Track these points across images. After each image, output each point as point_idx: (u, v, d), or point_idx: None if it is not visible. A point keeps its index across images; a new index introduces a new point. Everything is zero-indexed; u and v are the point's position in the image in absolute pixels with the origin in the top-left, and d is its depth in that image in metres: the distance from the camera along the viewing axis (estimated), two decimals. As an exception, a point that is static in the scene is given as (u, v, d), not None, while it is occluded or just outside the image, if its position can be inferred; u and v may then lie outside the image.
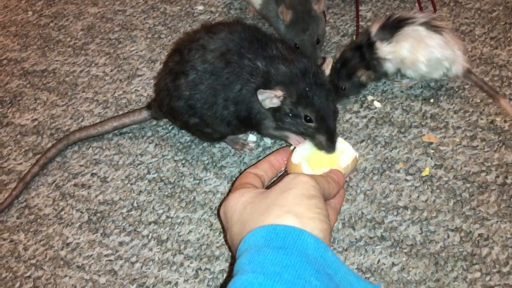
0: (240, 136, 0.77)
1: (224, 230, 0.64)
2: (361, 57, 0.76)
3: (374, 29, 0.77)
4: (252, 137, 0.78)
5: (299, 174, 0.50)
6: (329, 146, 0.59)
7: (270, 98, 0.59)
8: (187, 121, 0.72)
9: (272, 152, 0.62)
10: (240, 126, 0.70)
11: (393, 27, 0.75)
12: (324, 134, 0.59)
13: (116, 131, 0.80)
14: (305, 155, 0.60)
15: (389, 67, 0.77)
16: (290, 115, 0.60)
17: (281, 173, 0.62)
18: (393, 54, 0.75)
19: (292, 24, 0.79)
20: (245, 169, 0.58)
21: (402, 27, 0.75)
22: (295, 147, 0.61)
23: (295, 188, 0.48)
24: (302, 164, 0.58)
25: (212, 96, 0.67)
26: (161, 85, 0.73)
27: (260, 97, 0.59)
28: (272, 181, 0.60)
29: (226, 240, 0.67)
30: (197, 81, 0.67)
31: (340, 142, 0.61)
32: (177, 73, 0.69)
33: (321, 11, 0.80)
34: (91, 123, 0.81)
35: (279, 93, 0.59)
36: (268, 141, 0.77)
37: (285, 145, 0.68)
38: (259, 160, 0.61)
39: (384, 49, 0.76)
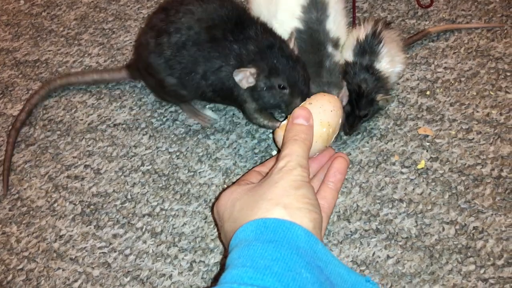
0: (199, 108, 0.79)
1: (218, 229, 0.64)
2: (376, 81, 0.71)
3: (349, 55, 0.73)
4: (208, 111, 0.79)
5: (283, 167, 0.49)
6: None
7: (246, 78, 0.64)
8: (163, 79, 0.72)
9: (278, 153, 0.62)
10: (215, 97, 0.73)
11: (370, 44, 0.72)
12: (298, 95, 0.63)
13: (109, 122, 0.80)
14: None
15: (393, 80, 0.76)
16: (265, 88, 0.65)
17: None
18: (392, 68, 0.74)
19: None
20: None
21: (379, 41, 0.73)
22: None
23: (282, 180, 0.47)
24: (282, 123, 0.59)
25: (192, 64, 0.69)
26: (142, 40, 0.74)
27: (236, 78, 0.64)
28: None
29: (220, 238, 0.67)
30: (179, 45, 0.69)
31: None
32: (160, 31, 0.70)
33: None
34: (85, 121, 0.80)
35: (253, 70, 0.64)
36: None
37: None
38: (266, 160, 0.61)
39: (384, 66, 0.72)
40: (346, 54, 0.73)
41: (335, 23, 0.72)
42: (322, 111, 0.56)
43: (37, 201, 0.74)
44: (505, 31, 0.84)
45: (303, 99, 0.61)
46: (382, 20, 0.75)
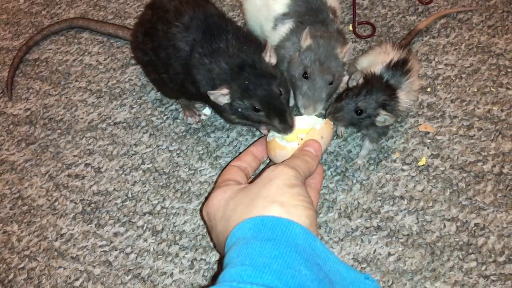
0: (196, 105, 0.80)
1: (208, 230, 0.64)
2: (377, 103, 0.65)
3: (379, 69, 0.68)
4: (207, 111, 0.79)
5: (278, 165, 0.50)
6: (283, 127, 0.60)
7: (221, 96, 0.61)
8: (148, 73, 0.76)
9: (253, 142, 0.62)
10: (195, 97, 0.72)
11: (399, 70, 0.68)
12: (275, 117, 0.60)
13: (110, 121, 0.80)
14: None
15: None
16: (240, 109, 0.62)
17: (264, 164, 0.62)
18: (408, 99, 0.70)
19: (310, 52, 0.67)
20: (228, 163, 0.58)
21: (408, 70, 0.69)
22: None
23: (276, 179, 0.48)
24: (276, 139, 0.59)
25: (173, 71, 0.68)
26: (136, 29, 0.76)
27: (211, 97, 0.61)
28: (256, 172, 0.60)
29: (212, 240, 0.67)
30: (160, 50, 0.68)
31: (308, 118, 0.63)
32: (147, 31, 0.71)
33: (344, 59, 0.67)
34: (85, 120, 0.80)
35: (225, 91, 0.61)
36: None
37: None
38: (241, 152, 0.61)
39: (405, 99, 0.68)
40: (374, 67, 0.69)
41: None
42: (325, 148, 0.60)
43: (38, 200, 0.74)
44: (506, 27, 0.84)
45: (281, 119, 0.59)
46: (409, 47, 0.74)
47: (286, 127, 0.60)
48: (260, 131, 0.71)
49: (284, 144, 0.58)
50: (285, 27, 0.70)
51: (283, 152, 0.58)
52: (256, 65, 0.61)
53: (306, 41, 0.65)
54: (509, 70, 0.79)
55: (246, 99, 0.61)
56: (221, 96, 0.61)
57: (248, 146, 0.61)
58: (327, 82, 0.64)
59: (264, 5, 0.73)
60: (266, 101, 0.60)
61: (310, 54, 0.65)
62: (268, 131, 0.63)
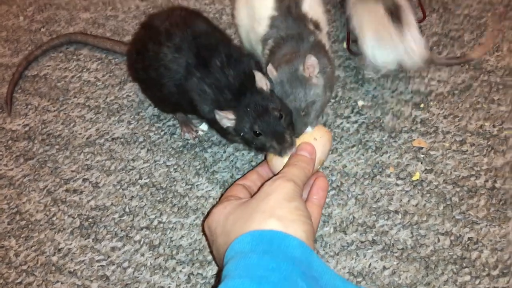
0: (194, 120, 0.81)
1: (209, 244, 0.64)
2: None
3: None
4: (204, 126, 0.80)
5: (276, 179, 0.51)
6: (282, 147, 0.61)
7: (226, 119, 0.63)
8: (144, 90, 0.78)
9: (259, 163, 0.63)
10: (192, 113, 0.73)
11: None
12: (273, 139, 0.61)
13: (108, 137, 0.80)
14: None
15: None
16: (242, 134, 0.63)
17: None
18: None
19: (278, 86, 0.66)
20: (232, 177, 0.59)
21: None
22: None
23: (275, 193, 0.49)
24: None
25: (167, 90, 0.69)
26: (130, 46, 0.78)
27: (217, 117, 0.62)
28: None
29: (212, 254, 0.67)
30: (151, 70, 0.70)
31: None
32: (139, 50, 0.73)
33: (311, 75, 0.65)
34: (83, 135, 0.81)
35: (231, 116, 0.62)
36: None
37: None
38: (247, 172, 0.62)
39: None
40: None
41: (312, 8, 0.72)
42: (322, 150, 0.61)
43: (35, 214, 0.74)
44: (497, 44, 0.86)
45: (278, 141, 0.61)
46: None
47: (285, 146, 0.61)
48: (255, 153, 0.72)
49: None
50: (267, 49, 0.71)
51: (281, 161, 0.60)
52: (256, 93, 0.62)
53: (272, 75, 0.65)
54: (500, 86, 0.81)
55: (247, 124, 0.62)
56: (227, 119, 0.63)
57: (255, 166, 0.63)
58: (299, 111, 0.64)
59: (251, 28, 0.75)
60: (265, 125, 0.61)
61: (277, 89, 0.65)
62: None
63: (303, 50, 0.67)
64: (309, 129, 0.63)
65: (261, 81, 0.63)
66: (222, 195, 0.72)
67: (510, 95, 0.80)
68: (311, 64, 0.63)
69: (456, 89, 0.81)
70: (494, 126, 0.77)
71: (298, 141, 0.61)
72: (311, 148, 0.58)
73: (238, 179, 0.59)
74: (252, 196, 0.57)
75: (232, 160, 0.77)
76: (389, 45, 0.75)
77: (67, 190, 0.76)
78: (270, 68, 0.64)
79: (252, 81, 0.63)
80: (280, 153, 0.61)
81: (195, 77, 0.65)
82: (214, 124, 0.67)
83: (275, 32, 0.70)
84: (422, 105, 0.80)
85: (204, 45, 0.67)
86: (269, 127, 0.61)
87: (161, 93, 0.71)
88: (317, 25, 0.72)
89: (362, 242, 0.68)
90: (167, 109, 0.78)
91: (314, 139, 0.61)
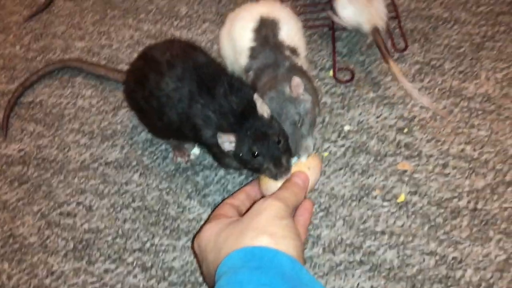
0: (186, 145, 0.83)
1: (199, 263, 0.65)
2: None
3: None
4: (196, 150, 0.82)
5: (267, 198, 0.53)
6: (278, 171, 0.63)
7: (228, 142, 0.64)
8: (141, 118, 0.80)
9: (248, 182, 0.65)
10: (190, 139, 0.75)
11: None
12: (270, 162, 0.63)
13: (101, 161, 0.82)
14: None
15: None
16: (241, 154, 0.65)
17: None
18: None
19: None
20: (223, 200, 0.61)
21: None
22: None
23: (266, 211, 0.51)
24: None
25: (168, 119, 0.71)
26: (128, 76, 0.80)
27: (219, 140, 0.64)
28: None
29: (202, 273, 0.69)
30: (152, 100, 0.72)
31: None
32: (138, 80, 0.75)
33: (298, 93, 0.68)
34: (77, 160, 0.83)
35: (233, 138, 0.64)
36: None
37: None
38: (236, 191, 0.64)
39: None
40: None
41: (288, 36, 0.76)
42: (313, 180, 0.63)
43: (29, 238, 0.75)
44: (475, 73, 0.90)
45: (275, 164, 0.63)
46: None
47: (281, 171, 0.63)
48: (251, 175, 0.74)
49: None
50: (249, 80, 0.75)
51: (275, 185, 0.62)
52: (257, 118, 0.65)
53: (263, 107, 0.66)
54: (480, 112, 0.85)
55: (247, 146, 0.64)
56: (228, 142, 0.65)
57: (243, 186, 0.64)
58: (295, 124, 0.67)
59: (235, 60, 0.78)
60: (263, 147, 0.63)
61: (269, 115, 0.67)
62: None
63: (280, 75, 0.71)
64: (303, 158, 0.65)
65: (262, 108, 0.65)
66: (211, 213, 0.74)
67: (489, 120, 0.84)
68: (297, 84, 0.67)
69: (438, 115, 0.85)
70: (474, 150, 0.80)
71: (293, 169, 0.63)
72: (305, 177, 0.61)
73: (227, 198, 0.61)
74: (240, 215, 0.59)
75: (223, 183, 0.79)
76: (358, 7, 0.87)
77: (61, 213, 0.77)
78: (256, 98, 0.66)
79: (253, 108, 0.65)
80: (276, 177, 0.63)
81: (200, 103, 0.67)
82: (213, 148, 0.69)
83: (255, 62, 0.74)
84: (405, 130, 0.83)
85: (206, 75, 0.69)
86: (267, 150, 0.63)
87: (161, 122, 0.73)
88: (294, 51, 0.75)
89: (350, 262, 0.70)
90: (163, 136, 0.80)
91: (308, 168, 0.63)
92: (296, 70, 0.73)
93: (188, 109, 0.68)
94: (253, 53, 0.75)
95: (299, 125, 0.67)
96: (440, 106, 0.86)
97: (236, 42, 0.77)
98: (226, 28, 0.82)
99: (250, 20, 0.77)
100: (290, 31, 0.76)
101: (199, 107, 0.67)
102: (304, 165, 0.64)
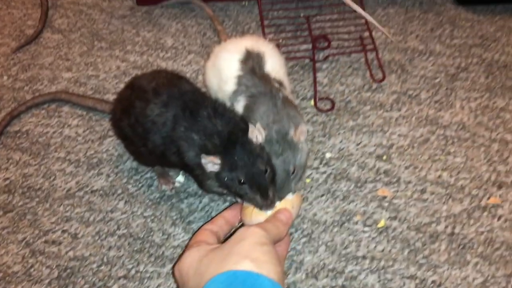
0: (171, 173, 0.84)
1: None
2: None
3: None
4: (180, 178, 0.84)
5: (250, 226, 0.55)
6: (264, 203, 0.64)
7: (211, 163, 0.65)
8: (127, 146, 0.82)
9: (226, 208, 0.66)
10: (174, 165, 0.76)
11: None
12: (257, 192, 0.64)
13: (87, 189, 0.83)
14: None
15: None
16: (226, 179, 0.66)
17: (236, 228, 0.66)
18: None
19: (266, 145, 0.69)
20: (202, 225, 0.62)
21: None
22: None
23: (249, 237, 0.52)
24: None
25: (152, 144, 0.73)
26: (114, 105, 0.82)
27: (203, 160, 0.65)
28: (227, 236, 0.64)
29: None
30: (137, 126, 0.74)
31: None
32: (124, 108, 0.77)
33: (300, 140, 0.69)
34: (63, 188, 0.84)
35: (217, 160, 0.65)
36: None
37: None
38: (214, 217, 0.65)
39: None
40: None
41: (273, 69, 0.78)
42: (294, 218, 0.65)
43: (13, 266, 0.75)
44: (450, 102, 0.94)
45: (262, 194, 0.64)
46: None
47: (267, 203, 0.64)
48: (235, 199, 0.76)
49: (259, 212, 0.64)
50: (240, 105, 0.76)
51: (258, 219, 0.63)
52: (246, 145, 0.65)
53: (260, 135, 0.67)
54: (455, 140, 0.88)
55: (233, 172, 0.65)
56: (212, 164, 0.65)
57: (221, 211, 0.66)
58: (288, 174, 0.68)
59: (219, 88, 0.81)
60: (251, 176, 0.64)
61: (266, 147, 0.68)
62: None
63: (281, 109, 0.72)
64: (290, 195, 0.67)
65: (254, 133, 0.66)
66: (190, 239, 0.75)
67: (464, 147, 0.87)
68: (301, 132, 0.68)
69: (415, 142, 0.88)
70: (451, 176, 0.83)
71: (279, 206, 0.65)
72: (289, 215, 0.63)
73: (205, 223, 0.62)
74: (219, 241, 0.60)
75: (207, 210, 0.80)
76: None
77: (45, 242, 0.78)
78: (259, 127, 0.67)
79: (242, 131, 0.66)
80: (261, 208, 0.64)
81: (183, 126, 0.69)
82: (196, 170, 0.70)
83: (244, 89, 0.76)
84: (384, 157, 0.86)
85: (190, 100, 0.71)
86: (254, 179, 0.64)
87: (145, 148, 0.74)
88: (281, 84, 0.78)
89: (332, 287, 0.71)
90: (148, 163, 0.82)
91: (292, 207, 0.65)
92: (290, 103, 0.75)
93: (171, 132, 0.70)
94: (241, 81, 0.77)
95: (292, 177, 0.68)
96: (417, 134, 0.89)
97: (221, 71, 0.80)
98: (211, 61, 0.85)
99: (235, 52, 0.80)
100: (275, 65, 0.79)
101: (182, 130, 0.69)
102: (290, 203, 0.65)
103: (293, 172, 0.68)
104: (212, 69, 0.84)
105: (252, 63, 0.77)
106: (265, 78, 0.76)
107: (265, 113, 0.72)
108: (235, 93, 0.77)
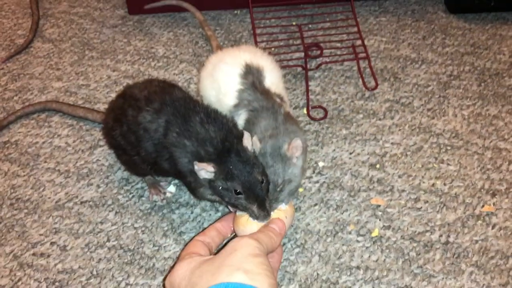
0: (162, 183, 0.84)
1: None
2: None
3: None
4: (171, 188, 0.83)
5: (243, 237, 0.55)
6: (261, 214, 0.63)
7: (205, 171, 0.64)
8: (119, 156, 0.80)
9: (218, 219, 0.65)
10: (167, 173, 0.75)
11: None
12: (254, 201, 0.63)
13: (77, 200, 0.82)
14: None
15: None
16: (221, 188, 0.64)
17: (228, 239, 0.65)
18: None
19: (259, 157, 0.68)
20: (194, 236, 0.61)
21: None
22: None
23: (242, 249, 0.52)
24: (246, 215, 0.63)
25: (145, 151, 0.72)
26: (107, 114, 0.81)
27: (196, 167, 0.64)
28: (219, 247, 0.64)
29: None
30: (130, 135, 0.73)
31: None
32: (116, 117, 0.76)
33: (293, 155, 0.68)
34: (52, 199, 0.83)
35: (211, 168, 0.64)
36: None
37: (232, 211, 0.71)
38: (206, 228, 0.64)
39: None
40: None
41: (273, 83, 0.77)
42: (287, 229, 0.65)
43: (0, 280, 0.73)
44: (443, 110, 0.94)
45: (259, 205, 0.63)
46: None
47: (264, 214, 0.63)
48: (227, 208, 0.75)
49: (253, 220, 0.63)
50: (241, 118, 0.75)
51: (251, 228, 0.62)
52: (241, 153, 0.64)
53: (256, 147, 0.67)
54: (449, 148, 0.88)
55: (229, 181, 0.63)
56: (205, 171, 0.64)
57: (213, 222, 0.65)
58: (275, 186, 0.67)
59: (217, 100, 0.80)
60: (248, 186, 0.63)
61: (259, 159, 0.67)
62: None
63: (281, 125, 0.71)
64: (283, 206, 0.67)
65: (248, 141, 0.65)
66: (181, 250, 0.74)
67: (458, 155, 0.86)
68: (296, 146, 0.67)
69: (408, 151, 0.87)
70: (445, 184, 0.83)
71: (273, 215, 0.64)
72: (282, 225, 0.62)
73: (197, 234, 0.61)
74: (211, 253, 0.59)
75: (199, 221, 0.79)
76: None
77: (34, 254, 0.76)
78: (255, 140, 0.67)
79: (235, 139, 0.65)
80: (257, 218, 0.63)
81: (175, 132, 0.68)
82: (188, 177, 0.69)
83: (246, 103, 0.75)
84: (378, 166, 0.85)
85: (183, 106, 0.70)
86: (251, 190, 0.63)
87: (138, 156, 0.73)
88: (281, 98, 0.77)
89: (326, 298, 0.70)
90: (140, 172, 0.80)
91: (285, 217, 0.64)
92: (291, 119, 0.74)
93: (164, 138, 0.69)
94: (242, 95, 0.76)
95: (278, 189, 0.67)
96: (410, 142, 0.89)
97: (221, 84, 0.79)
98: (207, 70, 0.84)
99: (234, 65, 0.79)
100: (274, 79, 0.79)
101: (174, 136, 0.68)
102: (283, 213, 0.65)
103: (279, 186, 0.67)
104: (208, 79, 0.82)
105: (252, 78, 0.77)
106: (266, 93, 0.76)
107: (265, 127, 0.71)
108: (236, 107, 0.76)
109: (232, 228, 0.65)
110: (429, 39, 1.08)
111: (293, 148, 0.67)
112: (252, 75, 0.77)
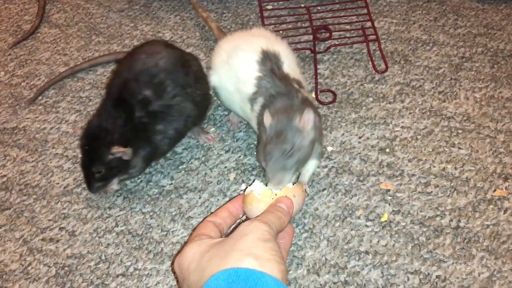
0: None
1: (179, 284, 0.65)
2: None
3: None
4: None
5: (252, 221, 0.54)
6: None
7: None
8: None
9: (230, 200, 0.65)
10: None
11: None
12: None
13: (85, 185, 0.82)
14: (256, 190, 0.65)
15: None
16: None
17: (240, 220, 0.65)
18: None
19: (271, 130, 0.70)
20: (204, 218, 0.60)
21: None
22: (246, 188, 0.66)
23: (251, 233, 0.51)
24: (253, 192, 0.63)
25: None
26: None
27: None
28: (231, 228, 0.63)
29: None
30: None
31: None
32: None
33: (305, 127, 0.69)
34: (61, 185, 0.83)
35: (129, 150, 0.75)
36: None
37: (242, 192, 0.71)
38: (218, 208, 0.64)
39: None
40: None
41: (291, 68, 0.77)
42: (297, 209, 0.64)
43: (10, 264, 0.74)
44: (454, 92, 0.92)
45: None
46: None
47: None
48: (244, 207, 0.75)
49: (260, 198, 0.62)
50: (258, 105, 0.75)
51: (259, 206, 0.62)
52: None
53: (267, 121, 0.68)
54: (460, 131, 0.86)
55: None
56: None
57: (225, 203, 0.64)
58: (284, 152, 0.67)
59: (236, 90, 0.79)
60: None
61: (269, 131, 0.68)
62: (246, 187, 0.67)
63: (296, 105, 0.71)
64: (290, 184, 0.66)
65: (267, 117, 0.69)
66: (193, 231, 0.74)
67: (469, 139, 0.85)
68: (308, 119, 0.67)
69: (419, 134, 0.86)
70: (456, 168, 0.81)
71: (279, 194, 0.64)
72: (290, 203, 0.61)
73: (209, 215, 0.61)
74: (222, 234, 0.59)
75: (207, 206, 0.79)
76: None
77: (43, 239, 0.77)
78: (267, 114, 0.68)
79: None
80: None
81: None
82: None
83: (264, 90, 0.75)
84: (387, 150, 0.84)
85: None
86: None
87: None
88: (299, 84, 0.77)
89: (334, 283, 0.70)
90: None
91: (293, 196, 0.64)
92: (309, 104, 0.73)
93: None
94: (261, 82, 0.76)
95: (287, 154, 0.67)
96: (421, 126, 0.87)
97: (238, 72, 0.78)
98: (222, 58, 0.82)
99: (251, 51, 0.78)
100: (292, 65, 0.78)
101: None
102: (291, 192, 0.64)
103: (288, 152, 0.67)
104: (224, 68, 0.81)
105: (270, 64, 0.76)
106: (285, 79, 0.75)
107: (279, 110, 0.71)
108: (255, 94, 0.76)
109: (242, 208, 0.65)
110: (440, 20, 1.06)
111: (304, 120, 0.67)
112: (270, 61, 0.76)
